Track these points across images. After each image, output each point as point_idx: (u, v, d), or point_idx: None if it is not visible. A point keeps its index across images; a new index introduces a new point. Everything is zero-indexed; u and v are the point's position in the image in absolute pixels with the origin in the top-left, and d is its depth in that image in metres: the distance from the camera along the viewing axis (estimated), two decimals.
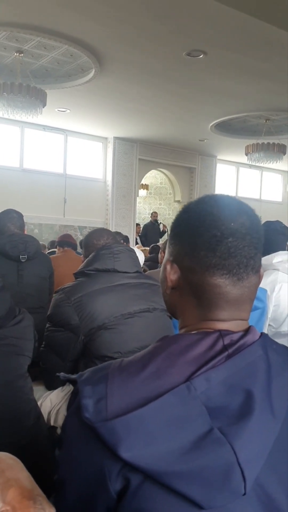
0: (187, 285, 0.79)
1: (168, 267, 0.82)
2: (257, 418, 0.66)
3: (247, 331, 0.76)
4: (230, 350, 0.71)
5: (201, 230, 0.77)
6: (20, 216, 2.95)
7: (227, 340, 0.72)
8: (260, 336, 0.75)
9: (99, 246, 2.04)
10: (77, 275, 1.98)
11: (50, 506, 0.61)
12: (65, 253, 4.21)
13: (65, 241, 4.47)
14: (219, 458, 0.63)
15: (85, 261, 2.01)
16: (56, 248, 4.85)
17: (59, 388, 1.94)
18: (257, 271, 0.78)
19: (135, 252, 2.09)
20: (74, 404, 0.70)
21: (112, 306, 1.83)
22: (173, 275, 0.81)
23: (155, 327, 1.90)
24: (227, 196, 0.82)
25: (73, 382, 0.74)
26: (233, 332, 0.74)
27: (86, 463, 0.66)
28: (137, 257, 2.09)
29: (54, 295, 1.93)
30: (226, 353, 0.71)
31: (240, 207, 0.79)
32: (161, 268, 0.86)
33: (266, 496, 0.67)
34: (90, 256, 1.99)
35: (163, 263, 0.86)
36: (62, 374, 0.77)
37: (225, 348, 0.71)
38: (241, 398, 0.67)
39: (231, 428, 0.65)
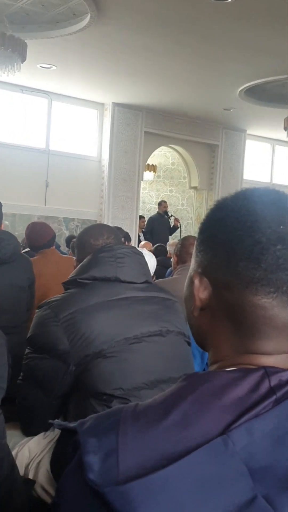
0: (221, 306, 0.79)
1: (196, 281, 0.82)
2: None
3: None
4: (279, 394, 0.71)
5: (241, 235, 0.77)
6: None
7: (274, 380, 0.72)
8: None
9: (97, 247, 2.05)
10: (67, 284, 1.99)
11: None
12: (44, 255, 3.89)
13: (36, 246, 3.89)
14: None
15: (79, 266, 2.02)
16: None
17: (41, 434, 1.94)
18: None
19: (143, 256, 2.10)
20: (74, 461, 0.70)
21: (113, 327, 1.84)
22: (202, 292, 0.81)
23: (168, 356, 1.91)
24: (274, 190, 0.82)
25: (71, 431, 0.74)
26: (282, 370, 0.74)
27: None
28: (146, 262, 2.10)
29: (37, 310, 1.93)
30: (273, 398, 0.70)
31: None
32: (187, 282, 0.86)
33: None
34: (86, 260, 2.00)
35: (188, 275, 0.86)
36: (56, 421, 0.77)
37: (272, 390, 0.71)
38: None
39: (280, 495, 0.65)
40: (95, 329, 1.81)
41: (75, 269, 2.03)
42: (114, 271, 1.94)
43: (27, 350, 1.92)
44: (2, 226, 3.01)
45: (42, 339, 1.85)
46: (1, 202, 3.19)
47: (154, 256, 4.41)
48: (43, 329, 1.85)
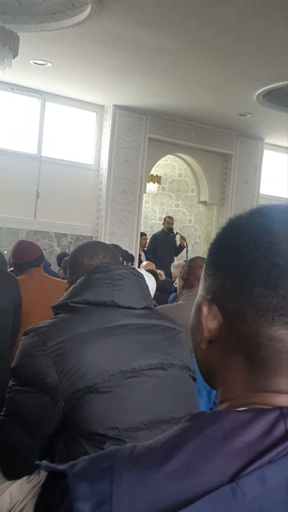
0: (233, 338, 0.79)
1: (205, 309, 0.82)
2: None
3: None
4: None
5: (256, 257, 0.77)
6: None
7: None
8: None
9: (92, 268, 2.06)
10: (57, 309, 1.99)
11: None
12: (29, 274, 4.02)
13: (22, 263, 4.02)
14: None
15: (71, 288, 2.02)
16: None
17: (24, 478, 1.93)
18: None
19: (144, 279, 2.11)
20: (62, 509, 0.70)
21: (108, 359, 1.84)
22: (211, 322, 0.81)
23: (170, 393, 1.90)
24: None
25: (60, 475, 0.74)
26: None
27: None
28: (146, 285, 2.11)
29: (22, 337, 1.94)
30: None
31: None
32: (194, 310, 0.86)
33: None
34: (78, 282, 2.01)
35: (196, 303, 0.86)
36: (44, 462, 0.77)
37: None
38: None
39: None
40: (87, 361, 1.80)
41: (67, 292, 2.03)
42: (110, 294, 1.95)
43: (11, 382, 1.92)
44: None
45: (27, 370, 1.85)
46: None
47: (153, 277, 4.40)
48: (28, 359, 1.85)
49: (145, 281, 2.10)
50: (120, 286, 1.97)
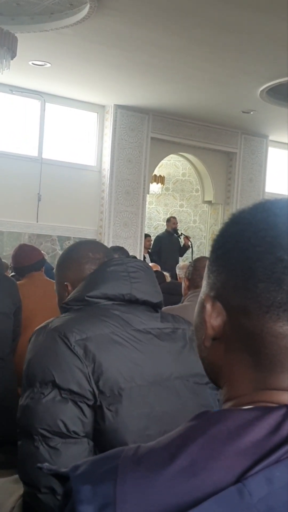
0: (237, 335, 0.79)
1: (208, 306, 0.82)
2: None
3: None
4: None
5: (260, 252, 0.77)
6: None
7: None
8: None
9: (100, 261, 2.01)
10: (69, 304, 1.91)
11: None
12: (30, 278, 4.07)
13: (23, 267, 4.05)
14: None
15: (83, 282, 1.93)
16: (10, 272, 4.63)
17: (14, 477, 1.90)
18: None
19: (154, 272, 2.09)
20: (65, 511, 0.70)
21: (131, 367, 1.78)
22: (215, 319, 0.81)
23: (193, 403, 1.86)
24: None
25: (63, 477, 0.74)
26: None
27: None
28: (156, 280, 2.09)
29: (32, 339, 1.85)
30: None
31: None
32: (197, 308, 0.86)
33: None
34: (90, 275, 1.93)
35: (199, 300, 0.86)
36: (46, 465, 0.77)
37: None
38: None
39: None
40: (111, 366, 1.74)
41: (78, 287, 1.94)
42: (129, 287, 1.89)
43: (26, 396, 1.77)
44: None
45: (51, 369, 1.72)
46: None
47: None
48: (50, 356, 1.74)
49: (155, 275, 2.07)
50: (137, 279, 1.92)
